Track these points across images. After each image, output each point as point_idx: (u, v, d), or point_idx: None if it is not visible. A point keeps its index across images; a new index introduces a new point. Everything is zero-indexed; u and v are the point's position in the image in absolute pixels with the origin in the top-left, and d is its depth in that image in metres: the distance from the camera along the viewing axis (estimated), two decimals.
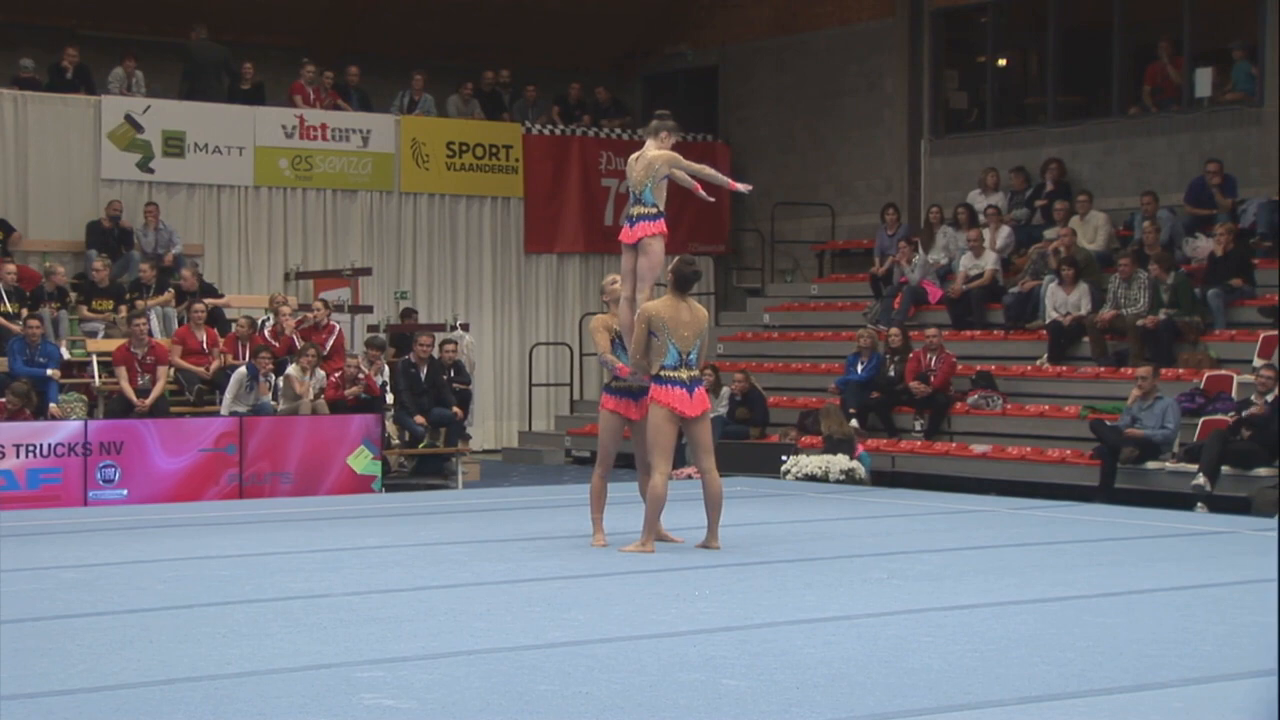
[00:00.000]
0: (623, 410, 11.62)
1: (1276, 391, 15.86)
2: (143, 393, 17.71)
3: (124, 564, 11.04)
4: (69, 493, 15.74)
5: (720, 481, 11.40)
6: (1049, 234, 20.88)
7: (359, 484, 17.05)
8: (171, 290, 20.20)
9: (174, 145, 21.99)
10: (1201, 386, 17.36)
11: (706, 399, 11.37)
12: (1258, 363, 16.89)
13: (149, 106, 21.88)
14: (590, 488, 11.81)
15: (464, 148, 24.23)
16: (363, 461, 17.16)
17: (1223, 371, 17.54)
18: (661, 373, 11.14)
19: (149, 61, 22.80)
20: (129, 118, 21.70)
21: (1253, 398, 16.03)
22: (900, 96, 24.21)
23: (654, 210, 11.60)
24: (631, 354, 11.32)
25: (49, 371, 17.52)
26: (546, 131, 25.07)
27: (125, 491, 15.92)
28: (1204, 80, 20.92)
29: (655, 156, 11.65)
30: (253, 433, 16.71)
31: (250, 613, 8.90)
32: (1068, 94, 23.20)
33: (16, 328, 17.95)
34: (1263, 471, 15.59)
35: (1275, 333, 17.57)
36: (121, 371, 17.81)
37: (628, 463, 12.24)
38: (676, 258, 11.52)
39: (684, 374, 11.16)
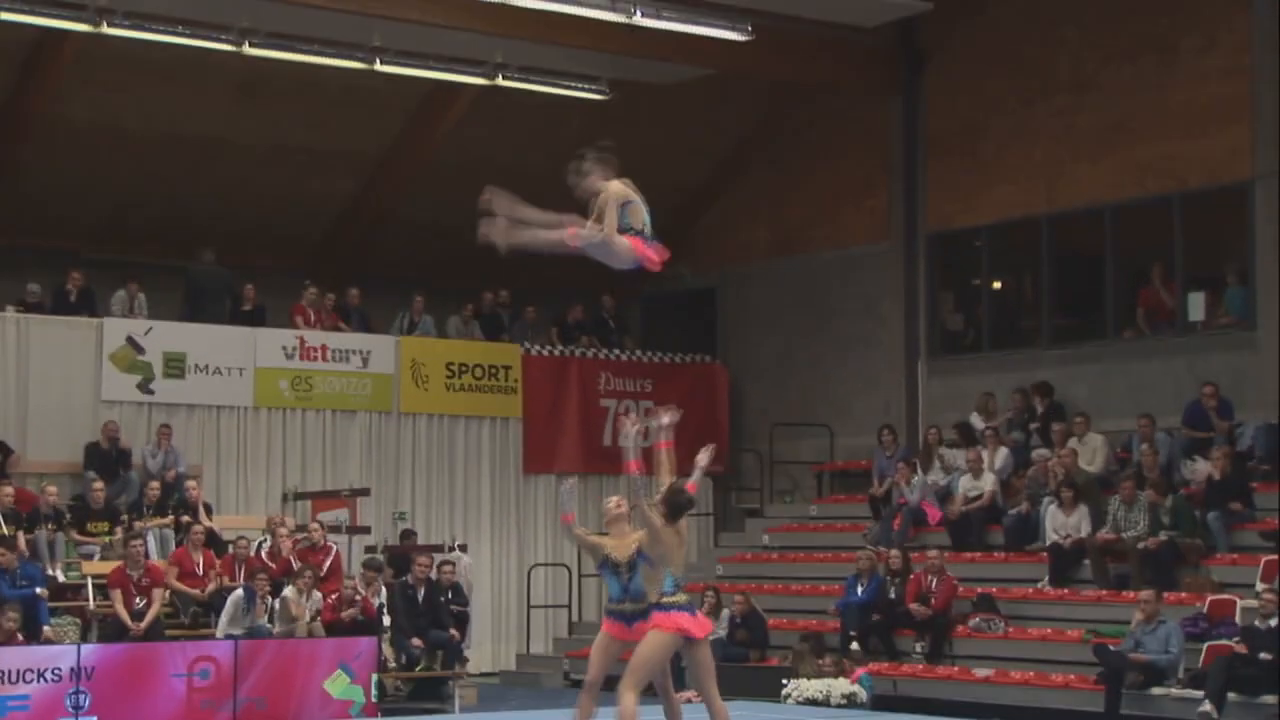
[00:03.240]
0: (616, 633, 11.50)
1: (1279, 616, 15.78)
2: (138, 615, 17.55)
3: None
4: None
5: (726, 708, 11.27)
6: (1037, 455, 20.90)
7: (337, 710, 16.75)
8: (171, 514, 20.10)
9: (174, 366, 22.06)
10: (1205, 610, 17.25)
11: (708, 620, 11.29)
12: (1260, 586, 16.79)
13: (150, 328, 21.97)
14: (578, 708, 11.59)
15: (463, 368, 24.34)
16: (340, 686, 16.89)
17: (1226, 595, 17.44)
18: (663, 600, 11.05)
19: (152, 282, 22.97)
20: (130, 339, 21.79)
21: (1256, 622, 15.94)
22: (896, 318, 24.41)
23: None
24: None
25: (37, 590, 17.36)
26: (545, 352, 25.22)
27: (96, 718, 15.58)
28: (1197, 304, 21.12)
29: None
30: (233, 657, 16.43)
31: None
32: (1063, 317, 23.39)
33: (11, 555, 17.69)
34: (1270, 699, 15.41)
35: (1277, 556, 17.48)
36: (116, 594, 17.66)
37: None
38: (669, 487, 11.42)
39: (681, 598, 11.16)
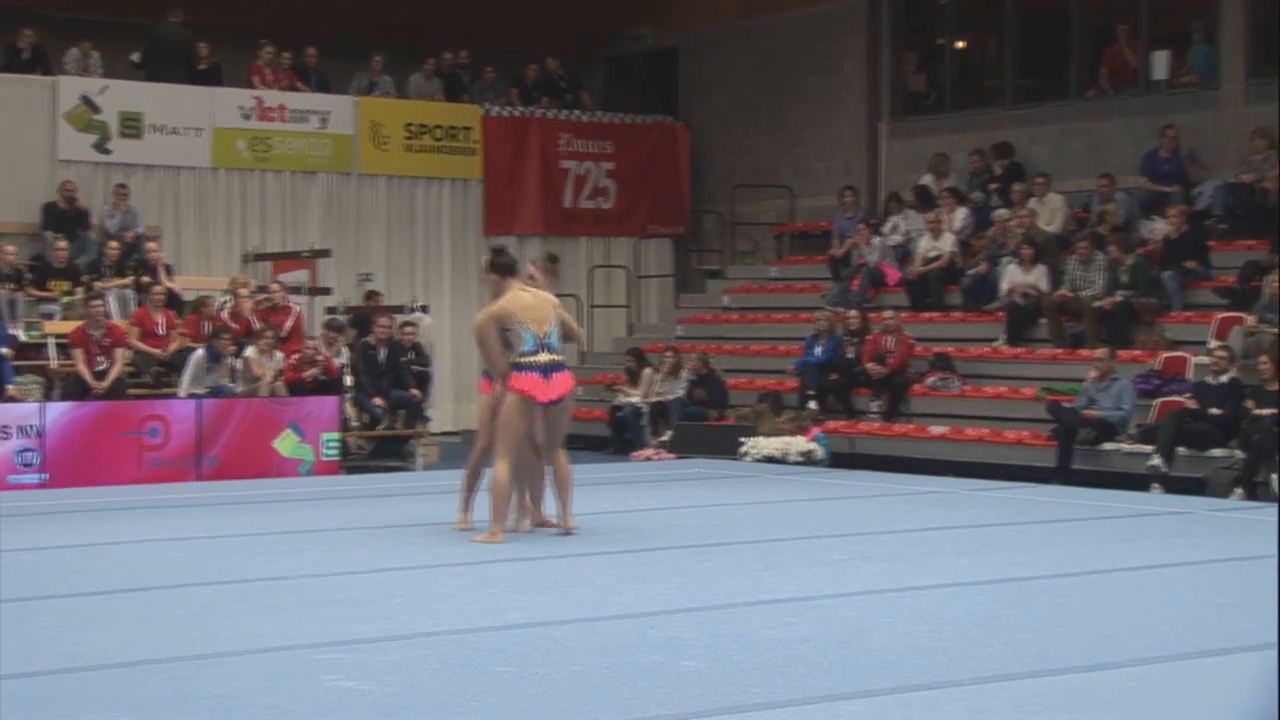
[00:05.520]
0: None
1: (1231, 372, 15.99)
2: (100, 375, 17.62)
3: (82, 546, 11.00)
4: None
5: (569, 465, 11.33)
6: (997, 215, 20.95)
7: (285, 468, 16.89)
8: (131, 275, 20.08)
9: (131, 126, 21.87)
10: (1158, 368, 17.47)
11: (566, 384, 11.17)
12: (1213, 344, 17.00)
13: (106, 87, 21.76)
14: (466, 469, 11.72)
15: (423, 129, 24.18)
16: (289, 445, 17.03)
17: (1179, 353, 17.65)
18: (520, 359, 11.05)
19: (105, 42, 22.65)
20: (85, 99, 21.57)
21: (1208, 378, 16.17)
22: (859, 79, 24.24)
23: (562, 359, 11.28)
24: (494, 365, 11.20)
25: (2, 350, 17.39)
26: (505, 113, 25.03)
27: (44, 475, 15.63)
28: (1161, 63, 21.00)
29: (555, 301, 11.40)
30: (195, 415, 16.51)
31: (210, 595, 8.90)
32: (1025, 77, 23.28)
33: None
34: (1217, 452, 15.70)
35: (1231, 314, 17.67)
36: (78, 354, 17.71)
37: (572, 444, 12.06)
38: (490, 250, 11.65)
39: (542, 358, 11.05)
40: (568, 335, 11.38)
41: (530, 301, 11.13)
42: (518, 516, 11.51)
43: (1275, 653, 6.66)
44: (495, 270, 11.31)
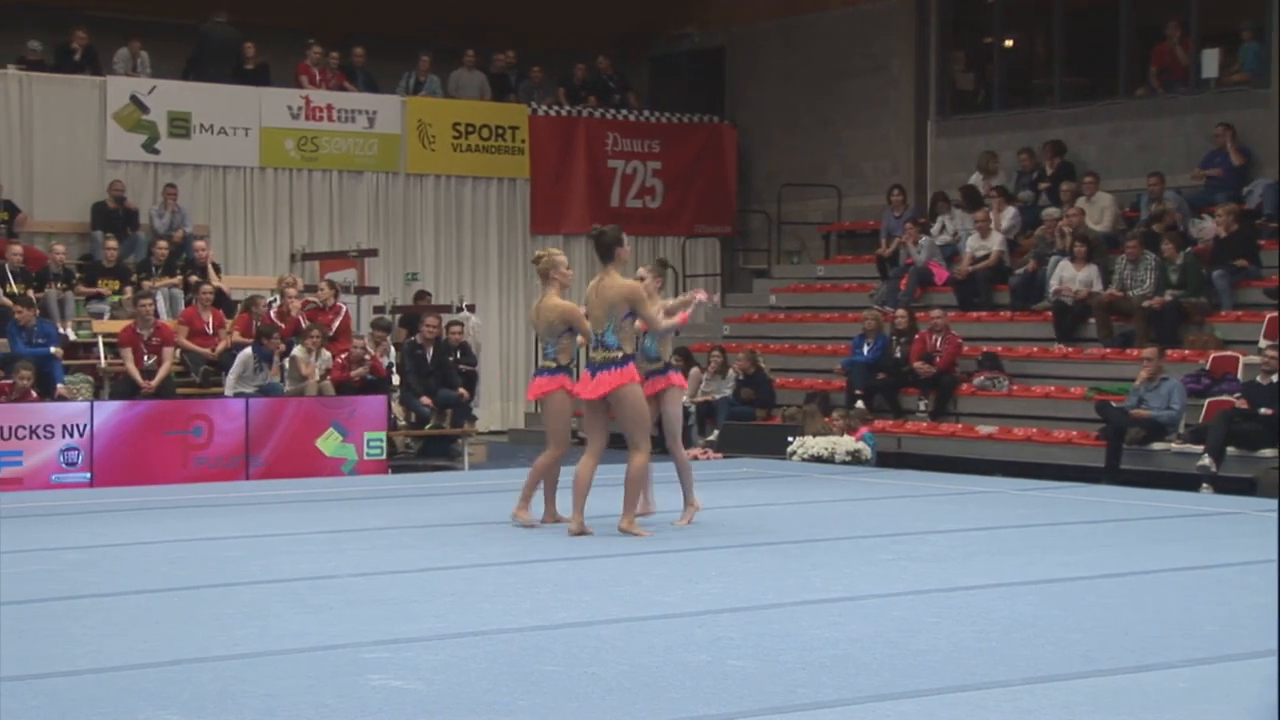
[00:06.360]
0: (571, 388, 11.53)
1: None
2: (148, 374, 17.71)
3: (128, 545, 11.05)
4: (31, 475, 15.46)
5: (639, 465, 11.22)
6: (1046, 214, 20.84)
7: (329, 468, 16.87)
8: (180, 274, 20.20)
9: (179, 126, 22.00)
10: (1207, 367, 17.34)
11: (612, 380, 10.97)
12: (1263, 343, 16.86)
13: (154, 87, 21.89)
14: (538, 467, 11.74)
15: (470, 129, 24.22)
16: (332, 444, 17.01)
17: (1229, 353, 17.52)
18: (590, 356, 11.22)
19: (154, 43, 22.79)
20: (134, 98, 21.71)
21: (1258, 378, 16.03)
22: (906, 78, 24.16)
23: (619, 355, 11.10)
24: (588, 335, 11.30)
25: (52, 349, 17.50)
26: (552, 113, 25.05)
27: (89, 475, 15.69)
28: (1211, 61, 20.85)
29: (620, 290, 11.00)
30: (240, 416, 16.52)
31: (256, 594, 8.92)
32: (1074, 75, 23.16)
33: (29, 313, 17.81)
34: (1268, 453, 15.57)
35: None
36: (127, 353, 17.81)
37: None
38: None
39: (598, 355, 11.09)
40: (649, 328, 11.29)
41: (592, 298, 11.14)
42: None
43: (1276, 654, 6.62)
44: (600, 254, 11.24)
